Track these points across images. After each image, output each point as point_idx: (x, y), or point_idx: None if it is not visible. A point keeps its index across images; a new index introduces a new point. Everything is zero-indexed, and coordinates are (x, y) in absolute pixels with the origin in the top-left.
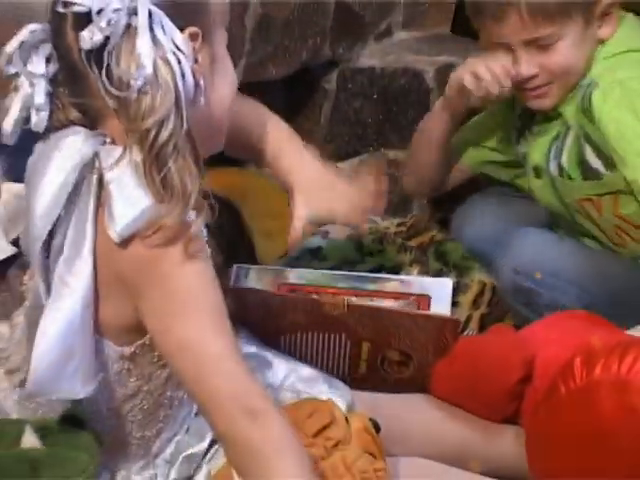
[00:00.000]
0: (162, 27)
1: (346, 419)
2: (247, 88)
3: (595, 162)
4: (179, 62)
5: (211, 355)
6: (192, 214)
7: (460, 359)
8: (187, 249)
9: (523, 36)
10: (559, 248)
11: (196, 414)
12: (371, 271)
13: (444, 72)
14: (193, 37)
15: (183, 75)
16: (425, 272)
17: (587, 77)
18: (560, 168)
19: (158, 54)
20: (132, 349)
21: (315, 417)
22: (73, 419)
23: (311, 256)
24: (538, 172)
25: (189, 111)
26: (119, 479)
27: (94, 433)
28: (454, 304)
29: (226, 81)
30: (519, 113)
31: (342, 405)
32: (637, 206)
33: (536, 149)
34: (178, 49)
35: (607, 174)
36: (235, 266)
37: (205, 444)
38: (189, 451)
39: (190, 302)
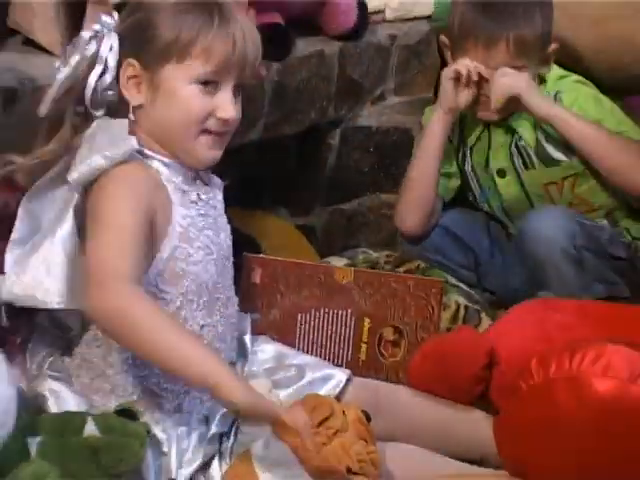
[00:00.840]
0: (110, 47)
1: (343, 412)
2: (266, 143)
3: (554, 152)
4: (103, 72)
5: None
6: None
7: (431, 354)
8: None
9: (503, 62)
10: None
11: None
12: None
13: None
14: (128, 65)
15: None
16: None
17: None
18: (525, 164)
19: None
20: None
21: (318, 410)
22: (126, 412)
23: None
24: (502, 173)
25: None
26: (157, 432)
27: (143, 423)
28: None
29: (171, 104)
30: (460, 133)
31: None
32: (589, 185)
33: (497, 156)
34: (106, 65)
35: (566, 160)
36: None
37: None
38: (221, 411)
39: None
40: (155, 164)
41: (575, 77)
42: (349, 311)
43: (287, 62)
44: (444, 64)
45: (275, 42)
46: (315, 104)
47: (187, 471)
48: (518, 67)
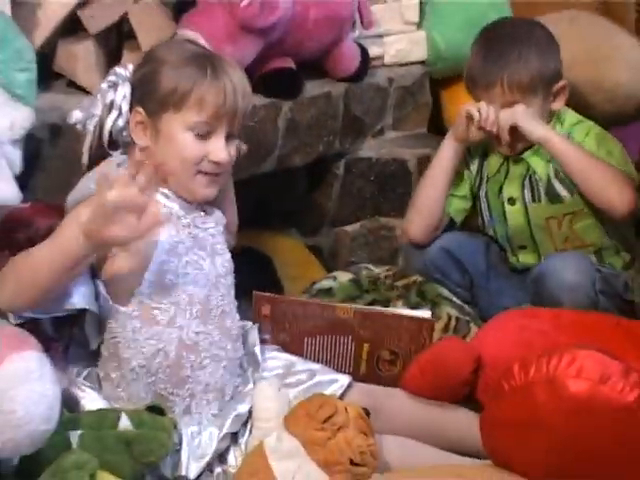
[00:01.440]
0: (124, 95)
1: (345, 409)
2: (279, 172)
3: (561, 190)
4: (117, 117)
5: None
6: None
7: (425, 363)
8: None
9: (503, 100)
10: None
11: (236, 388)
12: (368, 304)
13: (422, 161)
14: (136, 112)
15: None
16: (407, 304)
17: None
18: (533, 197)
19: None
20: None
21: (323, 409)
22: (155, 408)
23: (324, 294)
24: (513, 201)
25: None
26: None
27: (170, 418)
28: None
29: (170, 148)
30: (480, 164)
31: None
32: (585, 223)
33: (510, 185)
34: (120, 111)
35: (569, 198)
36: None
37: (247, 407)
38: (234, 413)
39: None
40: (156, 195)
41: (591, 123)
42: (350, 337)
43: (298, 101)
44: (436, 103)
45: (288, 84)
46: (323, 138)
47: (199, 465)
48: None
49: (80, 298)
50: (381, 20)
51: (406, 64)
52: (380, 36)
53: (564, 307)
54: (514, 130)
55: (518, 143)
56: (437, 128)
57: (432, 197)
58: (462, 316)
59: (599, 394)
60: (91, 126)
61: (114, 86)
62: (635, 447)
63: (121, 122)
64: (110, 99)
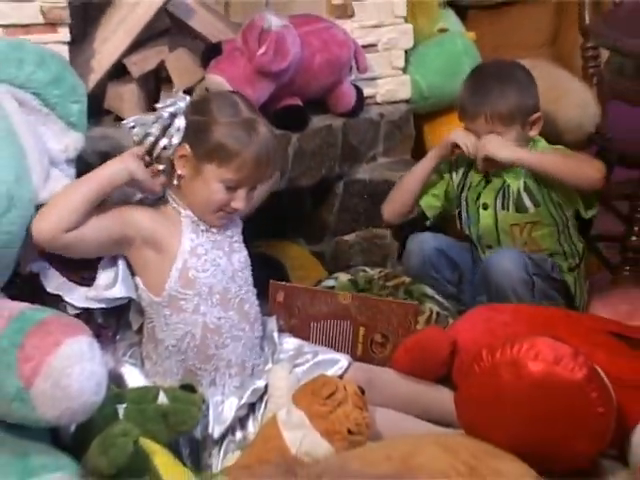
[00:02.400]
0: (178, 129)
1: (344, 388)
2: (289, 191)
3: (527, 202)
4: (168, 143)
5: None
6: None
7: (410, 347)
8: None
9: (486, 129)
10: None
11: (257, 366)
12: None
13: None
14: (184, 148)
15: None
16: None
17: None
18: (503, 205)
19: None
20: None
21: (326, 387)
22: (187, 386)
23: None
24: (486, 206)
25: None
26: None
27: (200, 395)
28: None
29: (201, 190)
30: (465, 173)
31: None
32: (542, 232)
33: (486, 194)
34: (170, 143)
35: (532, 209)
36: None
37: (264, 383)
38: (253, 387)
39: None
40: (177, 206)
41: (560, 147)
42: (348, 322)
43: (305, 133)
44: (419, 134)
45: (296, 118)
46: (325, 163)
47: (221, 428)
48: (499, 133)
49: (125, 290)
50: (374, 66)
51: (394, 102)
52: (373, 79)
53: (507, 291)
54: (488, 157)
55: (493, 167)
56: (419, 155)
57: (406, 192)
58: (442, 311)
59: (554, 373)
60: (147, 143)
61: (172, 117)
62: (583, 414)
63: (170, 149)
64: (166, 125)
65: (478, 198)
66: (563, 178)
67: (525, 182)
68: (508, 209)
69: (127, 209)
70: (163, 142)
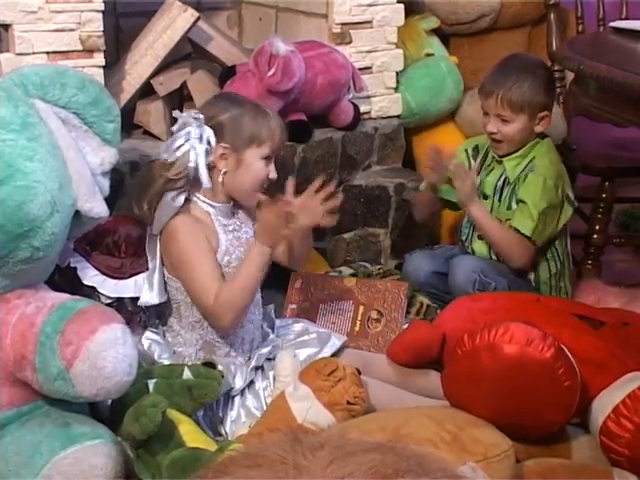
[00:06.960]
0: (208, 136)
1: (344, 367)
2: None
3: (513, 204)
4: (206, 153)
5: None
6: None
7: (404, 341)
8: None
9: (495, 111)
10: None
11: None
12: None
13: (398, 187)
14: (221, 147)
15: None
16: None
17: (529, 156)
18: (499, 200)
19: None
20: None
21: (327, 366)
22: (209, 364)
23: None
24: (485, 196)
25: (220, 176)
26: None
27: (220, 371)
28: (406, 313)
29: (247, 174)
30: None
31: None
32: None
33: (486, 186)
34: (208, 149)
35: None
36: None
37: (266, 349)
38: (258, 352)
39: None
40: (205, 207)
41: (554, 157)
42: (350, 302)
43: (308, 144)
44: (408, 146)
45: (301, 131)
46: (326, 171)
47: (235, 391)
48: (505, 118)
49: (158, 297)
50: (369, 86)
51: (387, 117)
52: (368, 97)
53: (466, 289)
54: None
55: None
56: (409, 164)
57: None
58: (431, 304)
59: (526, 353)
60: (189, 163)
61: (198, 129)
62: (552, 388)
63: (201, 157)
64: (198, 136)
65: (480, 185)
66: (493, 246)
67: (513, 187)
68: (499, 204)
69: (203, 240)
70: (193, 154)
